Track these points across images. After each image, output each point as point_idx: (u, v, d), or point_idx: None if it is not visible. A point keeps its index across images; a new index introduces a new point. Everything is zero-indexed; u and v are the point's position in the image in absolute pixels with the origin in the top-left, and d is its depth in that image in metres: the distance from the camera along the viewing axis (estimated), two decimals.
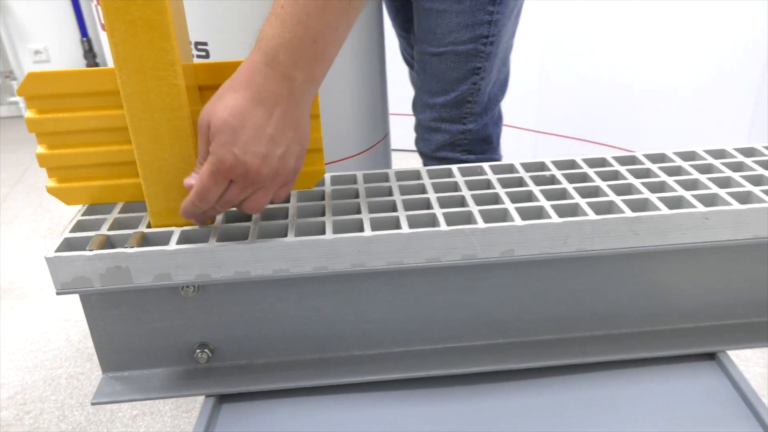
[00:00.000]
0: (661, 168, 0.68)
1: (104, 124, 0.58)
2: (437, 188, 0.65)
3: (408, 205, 0.62)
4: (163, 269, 0.55)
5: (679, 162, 0.69)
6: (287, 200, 0.64)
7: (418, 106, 0.98)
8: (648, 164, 0.69)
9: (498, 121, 1.02)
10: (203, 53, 0.85)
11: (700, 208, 0.58)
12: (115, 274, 0.55)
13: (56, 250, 0.55)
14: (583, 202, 0.60)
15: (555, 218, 0.57)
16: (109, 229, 0.59)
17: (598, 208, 0.59)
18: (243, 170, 0.51)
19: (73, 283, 0.55)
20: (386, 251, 0.57)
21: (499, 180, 0.66)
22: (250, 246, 0.55)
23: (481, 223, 0.57)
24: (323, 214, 0.62)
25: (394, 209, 0.61)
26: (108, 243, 0.57)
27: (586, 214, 0.58)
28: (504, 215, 0.59)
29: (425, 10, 0.89)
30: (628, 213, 0.58)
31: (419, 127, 0.99)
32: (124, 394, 0.62)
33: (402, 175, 0.68)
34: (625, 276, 0.62)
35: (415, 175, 0.68)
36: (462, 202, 0.63)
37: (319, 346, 0.64)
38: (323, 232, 0.57)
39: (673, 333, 0.65)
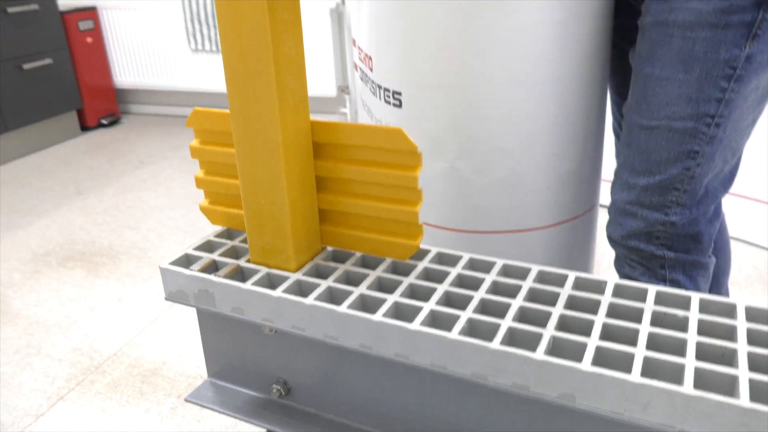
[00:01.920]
0: None
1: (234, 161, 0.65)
2: (524, 294, 0.56)
3: (481, 306, 0.55)
4: (238, 303, 0.60)
5: None
6: (370, 266, 0.62)
7: (616, 184, 0.85)
8: None
9: (714, 219, 0.83)
10: (397, 102, 0.87)
11: None
12: (204, 296, 0.62)
13: (170, 263, 0.64)
14: (692, 366, 0.45)
15: (635, 376, 0.45)
16: (221, 255, 0.66)
17: (710, 380, 0.44)
18: None
19: (176, 295, 0.64)
20: (431, 351, 0.51)
21: (612, 307, 0.54)
22: (307, 305, 0.56)
23: (540, 354, 0.48)
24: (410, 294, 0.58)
25: (463, 306, 0.55)
26: (213, 267, 0.64)
27: (681, 383, 0.44)
28: (580, 350, 0.48)
29: (644, 75, 0.77)
30: (743, 401, 0.42)
31: (613, 209, 0.85)
32: (211, 402, 0.69)
33: (480, 266, 0.60)
34: None
35: (521, 272, 0.60)
36: (545, 319, 0.53)
37: (381, 421, 0.62)
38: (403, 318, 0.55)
39: None
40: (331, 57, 2.75)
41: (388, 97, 0.87)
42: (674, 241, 0.80)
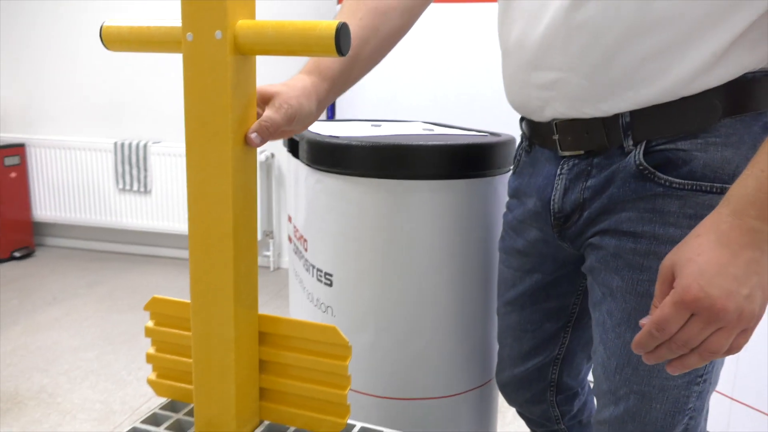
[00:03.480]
0: None
1: (187, 343, 0.75)
2: None
3: None
4: None
5: None
6: None
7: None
8: None
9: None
10: (329, 282, 1.00)
11: None
12: None
13: None
14: None
15: None
16: (166, 428, 0.73)
17: None
18: (708, 303, 0.53)
19: None
20: None
21: None
22: None
23: None
24: None
25: None
26: None
27: None
28: None
29: (625, 342, 0.73)
30: None
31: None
32: None
33: None
34: None
35: None
36: None
37: None
38: None
39: None
40: (259, 204, 2.90)
41: (320, 276, 1.01)
42: None
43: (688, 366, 0.57)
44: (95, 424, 1.72)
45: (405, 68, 2.47)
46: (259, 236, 2.93)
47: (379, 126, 1.25)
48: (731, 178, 0.61)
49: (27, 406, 1.81)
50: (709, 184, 0.66)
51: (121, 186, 3.05)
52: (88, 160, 3.10)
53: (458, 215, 0.95)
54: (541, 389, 0.95)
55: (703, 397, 0.74)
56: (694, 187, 0.66)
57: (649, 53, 0.65)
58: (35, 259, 3.17)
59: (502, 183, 1.00)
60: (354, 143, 0.92)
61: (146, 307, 0.77)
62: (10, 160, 3.02)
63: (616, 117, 0.69)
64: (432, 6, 0.86)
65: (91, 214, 3.15)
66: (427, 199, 0.93)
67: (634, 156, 0.69)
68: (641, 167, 0.68)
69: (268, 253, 3.12)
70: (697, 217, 0.62)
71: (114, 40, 0.67)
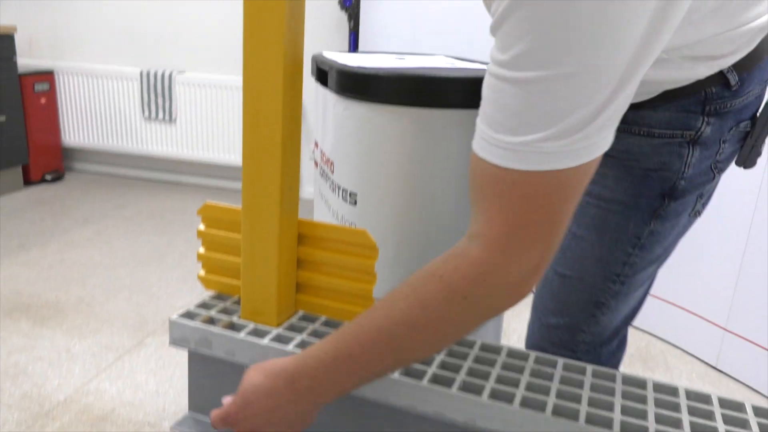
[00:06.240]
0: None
1: (235, 243, 0.86)
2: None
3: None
4: (230, 348, 0.79)
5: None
6: (333, 326, 0.84)
7: (532, 320, 0.97)
8: None
9: (617, 350, 0.97)
10: (353, 201, 1.11)
11: None
12: (203, 342, 0.81)
13: (178, 316, 0.83)
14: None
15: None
16: (217, 312, 0.85)
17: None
18: (243, 429, 0.69)
19: (180, 341, 0.82)
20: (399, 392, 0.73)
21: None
22: (287, 351, 0.76)
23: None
24: None
25: None
26: (210, 320, 0.84)
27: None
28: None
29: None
30: None
31: (528, 342, 0.99)
32: (193, 430, 0.86)
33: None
34: None
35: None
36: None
37: None
38: None
39: None
40: None
41: (345, 196, 1.11)
42: None
43: None
44: (131, 331, 1.88)
45: (427, 5, 2.51)
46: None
47: (403, 59, 1.32)
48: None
49: (68, 313, 1.97)
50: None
51: (146, 115, 3.15)
52: (115, 89, 3.19)
53: None
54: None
55: (618, 298, 0.85)
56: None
57: None
58: (65, 183, 3.31)
59: None
60: (381, 73, 1.00)
61: (199, 212, 0.88)
62: (39, 86, 3.11)
63: None
64: None
65: (118, 141, 3.27)
66: (449, 127, 1.02)
67: None
68: None
69: None
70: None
71: None
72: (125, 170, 3.44)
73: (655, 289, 1.98)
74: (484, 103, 0.56)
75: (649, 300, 2.00)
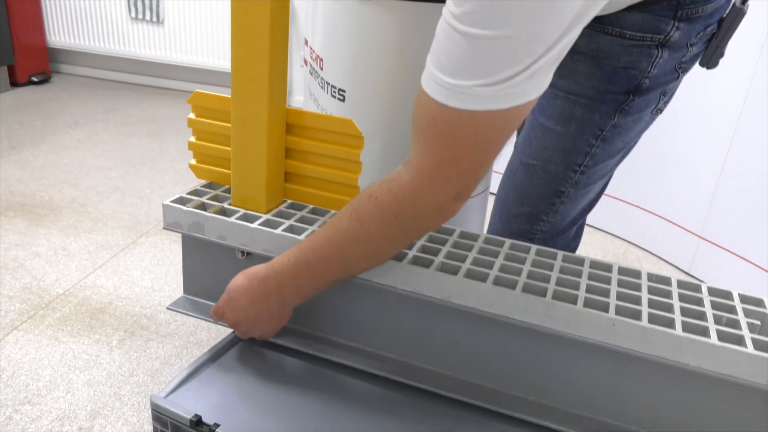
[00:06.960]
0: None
1: (225, 132, 0.88)
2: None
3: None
4: (222, 232, 0.83)
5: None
6: (319, 214, 0.88)
7: (494, 209, 1.04)
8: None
9: (572, 241, 1.03)
10: (342, 97, 1.12)
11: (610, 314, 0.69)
12: (196, 226, 0.85)
13: (170, 201, 0.86)
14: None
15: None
16: (208, 199, 0.89)
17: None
18: (229, 320, 0.82)
19: (173, 225, 0.86)
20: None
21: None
22: (275, 233, 0.80)
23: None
24: None
25: None
26: (202, 206, 0.87)
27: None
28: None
29: (531, 120, 0.93)
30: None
31: (490, 230, 1.06)
32: (188, 310, 0.91)
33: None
34: None
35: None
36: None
37: (354, 334, 0.86)
38: None
39: None
40: None
41: (334, 92, 1.12)
42: None
43: None
44: (125, 231, 1.93)
45: None
46: None
47: None
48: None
49: (62, 213, 2.01)
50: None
51: (133, 14, 3.07)
52: None
53: None
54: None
55: (578, 188, 0.91)
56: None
57: None
58: (52, 85, 3.26)
59: None
60: None
61: (189, 101, 0.89)
62: None
63: None
64: None
65: (104, 43, 3.20)
66: (438, 21, 1.02)
67: None
68: None
69: None
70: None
71: None
72: (113, 74, 3.39)
73: (632, 198, 2.05)
74: (435, 42, 0.61)
75: (626, 208, 2.07)
